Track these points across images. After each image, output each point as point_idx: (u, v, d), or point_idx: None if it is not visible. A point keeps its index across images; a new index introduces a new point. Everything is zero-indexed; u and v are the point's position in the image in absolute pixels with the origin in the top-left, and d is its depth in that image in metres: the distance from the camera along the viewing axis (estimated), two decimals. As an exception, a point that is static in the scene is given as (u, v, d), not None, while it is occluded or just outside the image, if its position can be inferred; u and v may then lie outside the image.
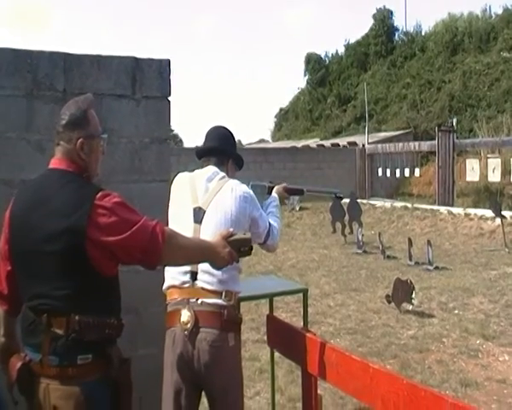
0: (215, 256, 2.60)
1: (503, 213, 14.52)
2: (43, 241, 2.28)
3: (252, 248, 2.73)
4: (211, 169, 3.27)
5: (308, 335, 3.40)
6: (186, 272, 3.02)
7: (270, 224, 3.32)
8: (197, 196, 3.15)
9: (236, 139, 3.59)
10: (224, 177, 3.25)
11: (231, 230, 2.71)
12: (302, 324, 5.02)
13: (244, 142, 44.84)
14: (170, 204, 3.27)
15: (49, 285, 2.29)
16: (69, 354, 2.29)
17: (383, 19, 38.68)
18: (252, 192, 3.27)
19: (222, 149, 3.38)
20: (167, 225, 2.96)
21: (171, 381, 3.03)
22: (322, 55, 43.36)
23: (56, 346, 2.28)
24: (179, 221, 3.06)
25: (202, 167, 3.34)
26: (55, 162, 2.47)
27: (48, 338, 2.29)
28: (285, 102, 47.25)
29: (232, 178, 3.32)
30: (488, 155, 20.40)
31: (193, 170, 3.33)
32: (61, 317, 2.27)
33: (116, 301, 2.51)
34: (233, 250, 2.62)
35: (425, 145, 23.31)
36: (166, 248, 2.35)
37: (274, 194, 3.68)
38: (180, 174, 3.34)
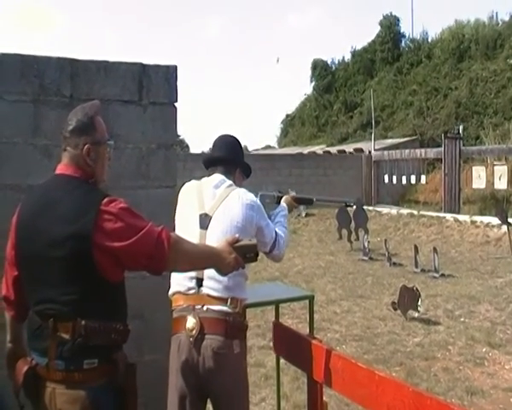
0: (221, 262, 2.59)
1: (510, 220, 14.47)
2: (50, 246, 2.28)
3: (257, 255, 2.73)
4: (218, 177, 3.27)
5: (314, 342, 3.39)
6: (192, 279, 3.02)
7: (276, 234, 3.32)
8: (204, 203, 3.16)
9: (243, 145, 3.59)
10: (231, 185, 3.25)
11: (237, 236, 2.71)
12: (308, 330, 5.02)
13: (250, 148, 44.89)
14: (177, 211, 3.27)
15: (55, 290, 2.30)
16: (75, 359, 2.29)
17: (390, 25, 38.63)
18: (258, 201, 3.28)
19: (229, 158, 3.39)
20: (174, 231, 2.96)
21: (176, 387, 3.03)
22: (329, 62, 43.36)
23: (62, 350, 2.28)
24: (185, 228, 3.06)
25: (209, 175, 3.34)
26: (62, 168, 2.48)
27: (54, 343, 2.29)
28: (291, 109, 47.25)
29: (239, 186, 3.32)
30: (495, 163, 20.35)
31: (200, 177, 3.34)
32: (67, 322, 2.28)
33: (122, 306, 2.51)
34: (239, 256, 2.62)
35: (431, 152, 23.27)
36: (172, 254, 2.35)
37: (283, 203, 3.68)
38: (187, 183, 3.35)
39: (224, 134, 3.51)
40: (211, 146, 3.54)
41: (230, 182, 3.27)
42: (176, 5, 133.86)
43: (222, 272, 2.67)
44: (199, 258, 2.59)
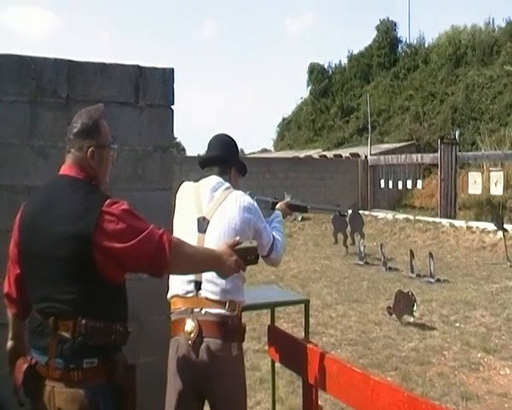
0: (222, 265, 2.61)
1: (506, 226, 14.50)
2: (51, 245, 2.30)
3: (258, 257, 2.75)
4: (215, 179, 3.27)
5: (309, 346, 3.40)
6: (190, 282, 3.03)
7: (274, 237, 3.33)
8: (201, 206, 3.16)
9: (239, 148, 3.59)
10: (228, 187, 3.25)
11: (237, 238, 2.71)
12: (303, 334, 5.02)
13: (246, 151, 44.77)
14: (175, 214, 3.28)
15: (56, 289, 2.31)
16: (75, 358, 2.30)
17: (387, 30, 38.67)
18: (256, 204, 3.27)
19: (224, 157, 3.38)
20: (172, 233, 2.97)
21: (174, 389, 3.04)
22: (326, 66, 43.32)
23: (63, 349, 2.30)
24: (184, 231, 3.06)
25: (206, 176, 3.34)
26: (65, 169, 2.50)
27: (54, 341, 2.30)
28: (288, 112, 47.18)
29: (236, 185, 3.33)
30: (491, 169, 20.39)
31: (197, 180, 3.33)
32: (67, 320, 2.29)
33: (122, 307, 2.53)
34: (239, 259, 2.62)
35: (427, 157, 23.31)
36: (173, 257, 2.36)
37: (277, 210, 3.69)
38: (185, 183, 3.35)
39: (219, 133, 3.51)
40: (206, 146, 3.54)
41: (228, 184, 3.27)
42: (171, 8, 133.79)
43: (222, 274, 2.69)
44: (199, 261, 2.60)
